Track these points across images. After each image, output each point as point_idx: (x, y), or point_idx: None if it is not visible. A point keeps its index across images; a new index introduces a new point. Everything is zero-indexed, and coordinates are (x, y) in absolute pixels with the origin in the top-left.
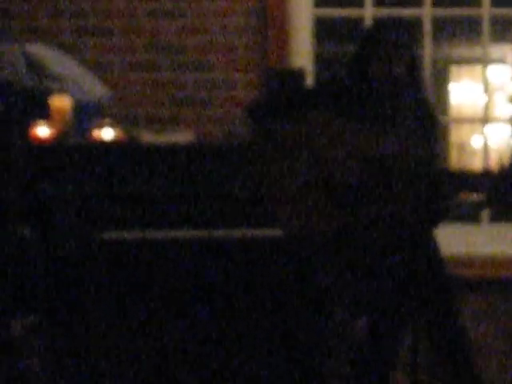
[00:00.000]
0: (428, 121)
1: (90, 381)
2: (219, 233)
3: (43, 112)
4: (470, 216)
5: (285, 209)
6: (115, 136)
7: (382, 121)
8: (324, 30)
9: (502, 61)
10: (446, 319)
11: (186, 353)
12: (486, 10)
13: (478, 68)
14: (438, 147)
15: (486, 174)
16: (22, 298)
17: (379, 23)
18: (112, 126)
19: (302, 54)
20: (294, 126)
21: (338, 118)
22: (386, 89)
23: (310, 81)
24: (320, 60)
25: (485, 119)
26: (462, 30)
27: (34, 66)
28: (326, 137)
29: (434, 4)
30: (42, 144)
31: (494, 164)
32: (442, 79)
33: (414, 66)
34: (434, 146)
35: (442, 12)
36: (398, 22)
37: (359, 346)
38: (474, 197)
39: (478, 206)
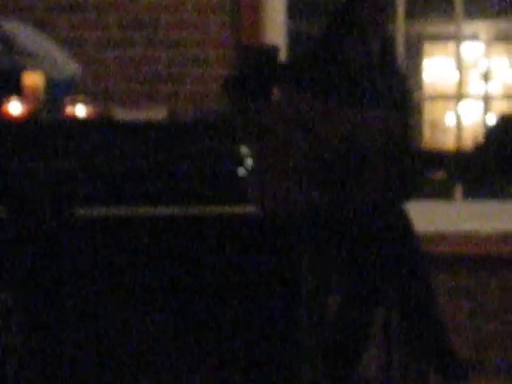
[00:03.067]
0: (402, 97)
1: (63, 361)
2: (193, 210)
3: (16, 88)
4: (442, 193)
5: (260, 186)
6: (88, 112)
7: (357, 98)
8: (297, 6)
9: (475, 37)
10: (418, 296)
11: (159, 334)
12: None
13: (452, 44)
14: (412, 123)
15: (460, 151)
16: None
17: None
18: (85, 102)
19: (276, 30)
20: (267, 103)
21: (311, 97)
22: (360, 65)
23: (283, 57)
24: (293, 36)
25: (458, 96)
26: (435, 7)
27: (7, 42)
28: (300, 116)
29: None
30: (14, 120)
31: (467, 141)
32: (415, 56)
33: (387, 42)
34: (409, 122)
35: None
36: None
37: (331, 325)
38: (447, 173)
39: (451, 183)
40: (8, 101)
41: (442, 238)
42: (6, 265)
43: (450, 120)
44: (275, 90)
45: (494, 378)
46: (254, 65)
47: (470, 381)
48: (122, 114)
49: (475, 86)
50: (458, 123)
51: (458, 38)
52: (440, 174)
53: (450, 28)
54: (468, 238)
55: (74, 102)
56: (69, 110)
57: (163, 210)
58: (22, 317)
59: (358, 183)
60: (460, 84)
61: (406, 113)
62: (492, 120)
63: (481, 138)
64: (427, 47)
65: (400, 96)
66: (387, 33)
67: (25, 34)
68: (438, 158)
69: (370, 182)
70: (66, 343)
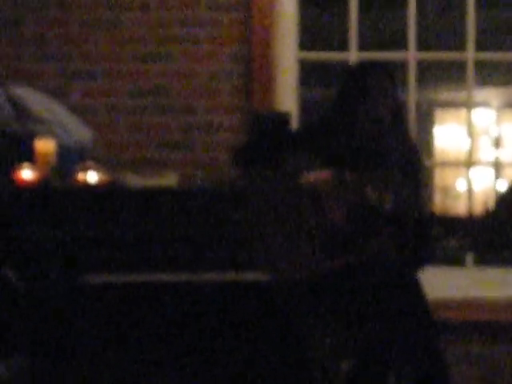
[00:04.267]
0: (413, 165)
1: None
2: (203, 276)
3: (27, 155)
4: (454, 259)
5: (271, 253)
6: (99, 179)
7: (367, 166)
8: (309, 73)
9: (486, 104)
10: (430, 363)
11: None
12: (470, 54)
13: (463, 111)
14: (424, 192)
15: (471, 218)
16: (7, 340)
17: (363, 67)
18: (96, 169)
19: (287, 97)
20: (277, 171)
21: (322, 164)
22: (371, 133)
23: (294, 124)
24: (305, 103)
25: (469, 163)
26: (447, 74)
27: (19, 109)
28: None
29: (418, 48)
30: (26, 187)
31: (478, 208)
32: (426, 123)
33: (397, 110)
34: (420, 190)
35: (426, 56)
36: (381, 67)
37: None
38: (459, 241)
39: (463, 250)
40: (20, 167)
41: (453, 304)
42: (16, 331)
43: (461, 186)
44: (286, 157)
45: None
46: (266, 131)
47: None
48: (132, 181)
49: (486, 153)
50: (469, 190)
51: (469, 105)
52: (452, 241)
53: (462, 95)
54: (480, 304)
55: (85, 169)
56: (80, 176)
57: (173, 276)
58: (32, 381)
59: (369, 249)
60: (471, 151)
61: (418, 180)
62: (503, 187)
63: (491, 205)
64: (438, 114)
65: (411, 163)
66: (398, 100)
67: (37, 101)
68: (450, 225)
69: (381, 248)
70: None
